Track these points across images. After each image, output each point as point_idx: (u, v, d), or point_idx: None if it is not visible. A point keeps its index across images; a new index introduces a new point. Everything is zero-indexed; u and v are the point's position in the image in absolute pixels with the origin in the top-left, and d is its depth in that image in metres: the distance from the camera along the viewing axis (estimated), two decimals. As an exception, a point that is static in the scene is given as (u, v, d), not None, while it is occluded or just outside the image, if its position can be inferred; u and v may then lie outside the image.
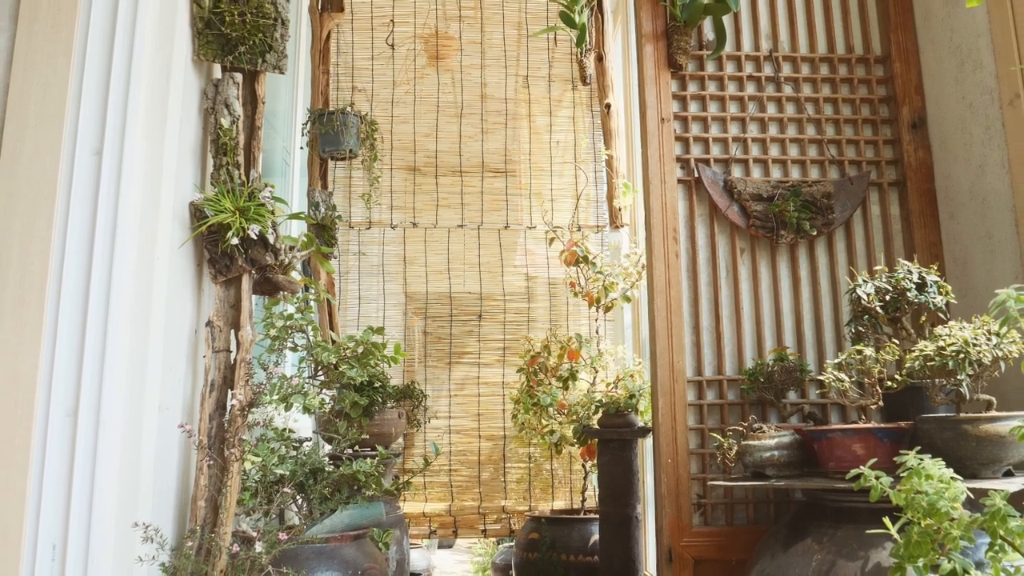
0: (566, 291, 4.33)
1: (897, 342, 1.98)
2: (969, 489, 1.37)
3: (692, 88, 2.62)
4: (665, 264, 2.47)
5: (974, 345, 1.67)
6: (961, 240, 2.41)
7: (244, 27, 2.19)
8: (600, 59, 4.54)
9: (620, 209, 4.41)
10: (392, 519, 2.89)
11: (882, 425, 1.85)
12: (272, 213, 2.16)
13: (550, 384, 3.78)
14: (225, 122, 2.18)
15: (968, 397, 1.70)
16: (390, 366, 2.85)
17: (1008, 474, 1.70)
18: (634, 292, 3.88)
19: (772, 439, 1.99)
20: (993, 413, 1.69)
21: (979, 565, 1.38)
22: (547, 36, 4.73)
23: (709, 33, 2.66)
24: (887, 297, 2.02)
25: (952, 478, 1.35)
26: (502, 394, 4.34)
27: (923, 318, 2.07)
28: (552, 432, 3.71)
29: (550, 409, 3.71)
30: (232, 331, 2.16)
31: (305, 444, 2.40)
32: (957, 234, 2.43)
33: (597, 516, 3.34)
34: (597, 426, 3.22)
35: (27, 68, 1.85)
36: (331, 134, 4.03)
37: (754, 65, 2.65)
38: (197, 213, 2.11)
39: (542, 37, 4.73)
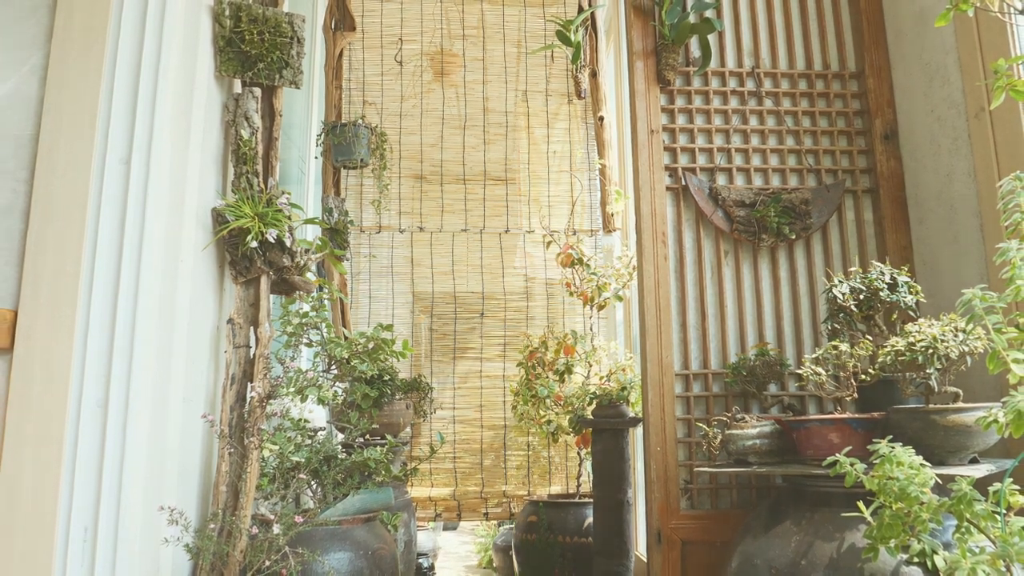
0: (562, 291, 4.33)
1: (871, 338, 1.98)
2: (937, 475, 1.38)
3: (680, 102, 2.62)
4: (654, 266, 2.47)
5: (942, 341, 1.67)
6: (930, 244, 2.40)
7: (263, 45, 2.19)
8: (594, 75, 4.54)
9: (612, 214, 4.41)
10: (400, 503, 2.89)
11: (856, 416, 1.85)
12: (289, 218, 2.16)
13: (547, 377, 3.78)
14: (245, 133, 2.18)
15: (936, 389, 1.70)
16: (398, 361, 2.85)
17: (974, 461, 1.70)
18: (626, 292, 3.88)
19: (754, 429, 1.99)
20: (960, 404, 1.69)
21: (947, 546, 1.38)
22: (545, 53, 4.73)
23: (695, 51, 2.66)
24: (861, 296, 2.01)
25: (922, 465, 1.35)
26: (503, 387, 4.34)
27: (895, 316, 2.07)
28: (549, 422, 3.72)
29: (547, 401, 3.71)
30: (251, 328, 2.16)
31: (319, 433, 2.40)
32: (926, 238, 2.43)
33: (591, 500, 3.34)
34: (591, 416, 3.22)
35: (60, 83, 1.85)
36: (344, 144, 4.04)
37: (737, 80, 2.65)
38: (219, 218, 2.11)
39: (540, 54, 4.73)
